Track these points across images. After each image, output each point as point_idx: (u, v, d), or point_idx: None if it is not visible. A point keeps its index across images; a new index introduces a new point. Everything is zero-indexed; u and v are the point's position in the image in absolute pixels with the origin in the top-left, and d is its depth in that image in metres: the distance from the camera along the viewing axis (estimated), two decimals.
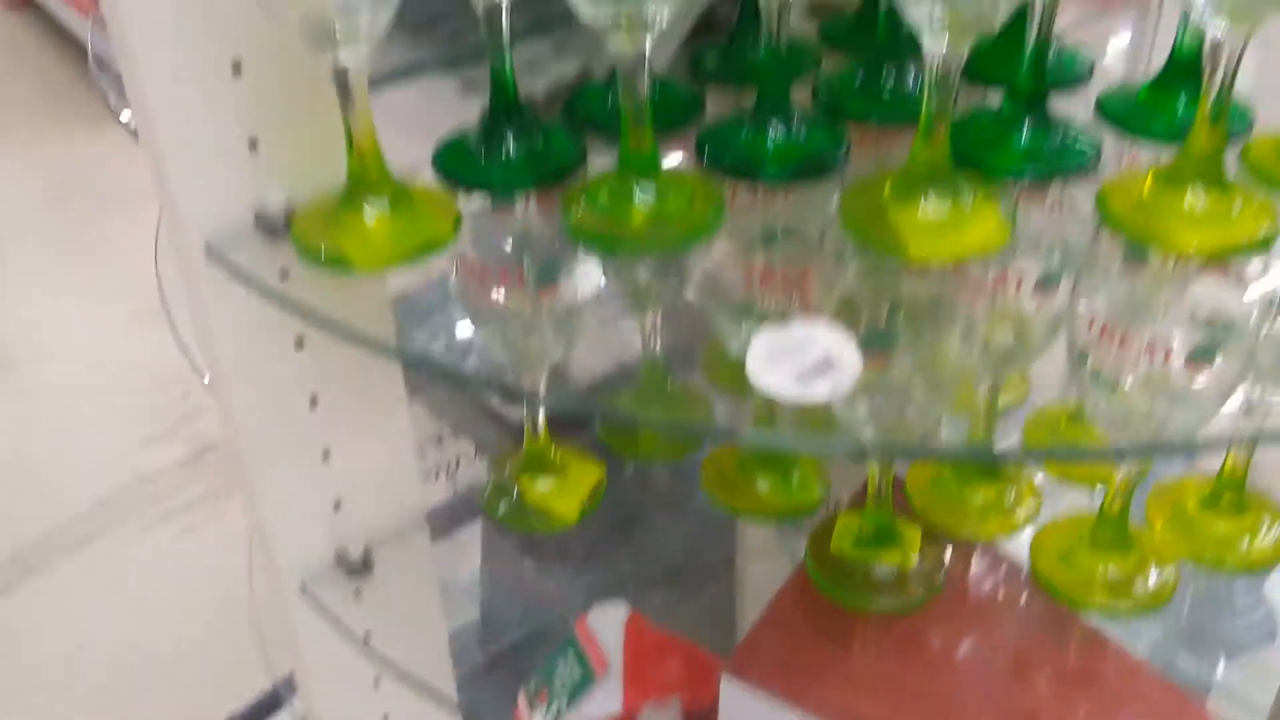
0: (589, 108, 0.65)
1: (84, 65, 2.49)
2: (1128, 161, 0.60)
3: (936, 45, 0.47)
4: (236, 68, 0.53)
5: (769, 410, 0.63)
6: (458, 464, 0.94)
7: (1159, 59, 0.61)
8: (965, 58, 0.47)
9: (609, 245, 0.55)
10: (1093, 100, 0.62)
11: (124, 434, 1.65)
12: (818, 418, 0.54)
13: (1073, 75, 0.63)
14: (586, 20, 0.49)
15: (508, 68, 0.57)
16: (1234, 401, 0.55)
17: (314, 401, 0.64)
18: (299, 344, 0.61)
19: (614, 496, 0.72)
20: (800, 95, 0.61)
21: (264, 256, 0.56)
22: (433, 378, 0.84)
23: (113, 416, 1.68)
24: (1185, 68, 0.57)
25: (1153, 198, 0.49)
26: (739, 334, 0.61)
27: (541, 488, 0.69)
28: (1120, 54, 0.86)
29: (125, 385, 1.72)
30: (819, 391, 0.43)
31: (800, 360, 0.45)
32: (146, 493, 1.57)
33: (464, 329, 0.73)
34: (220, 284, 0.57)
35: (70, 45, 2.57)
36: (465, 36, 0.67)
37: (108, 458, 1.61)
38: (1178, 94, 0.58)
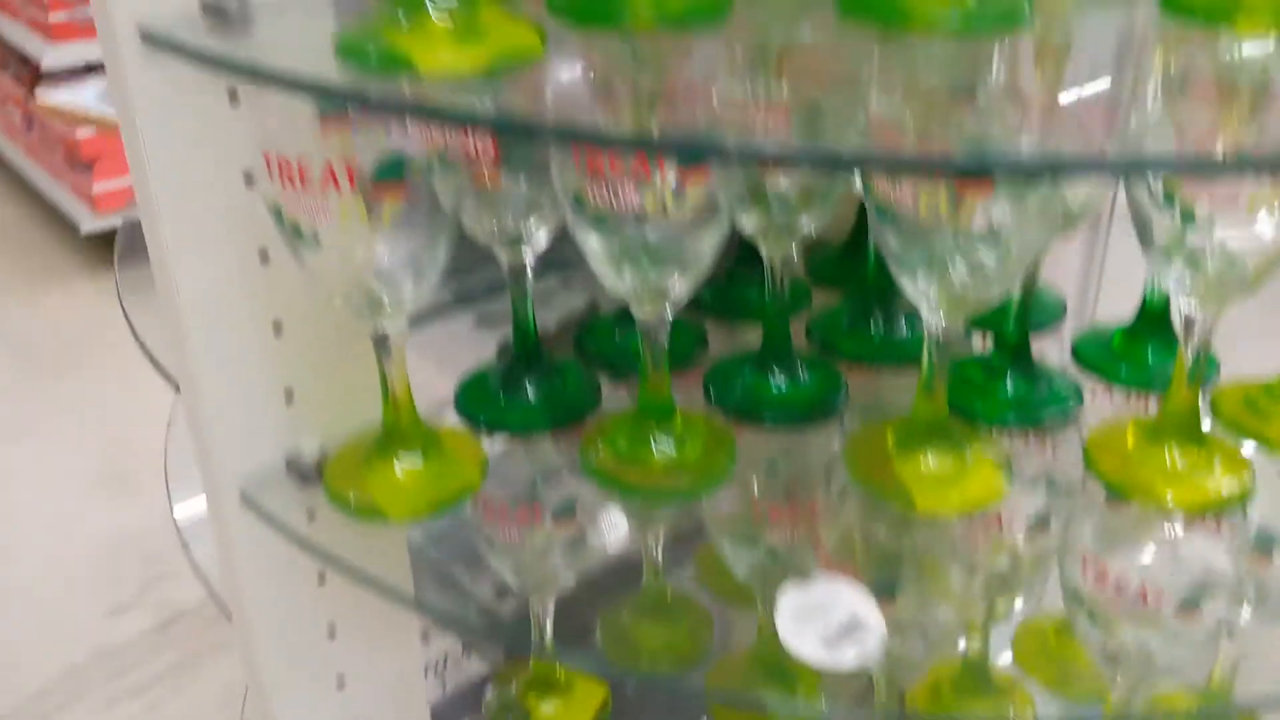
0: (599, 343, 0.69)
1: (48, 220, 2.51)
2: (1103, 399, 0.64)
3: (934, 319, 0.51)
4: (277, 328, 0.56)
5: (774, 640, 0.65)
6: (445, 662, 0.94)
7: (1109, 283, 0.66)
8: (963, 326, 0.51)
9: (627, 492, 0.58)
10: (1066, 339, 0.67)
11: (87, 603, 1.61)
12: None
13: (1049, 316, 0.68)
14: (610, 288, 0.52)
15: (530, 317, 0.61)
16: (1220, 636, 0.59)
17: (332, 632, 0.65)
18: (321, 579, 0.63)
19: (618, 707, 0.73)
20: (794, 331, 0.65)
21: (293, 499, 0.58)
22: (447, 623, 0.85)
23: (75, 584, 1.64)
24: (1155, 319, 0.62)
25: (1136, 452, 0.54)
26: (746, 564, 0.64)
27: (547, 710, 0.70)
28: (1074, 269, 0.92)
29: (88, 551, 1.69)
30: (847, 658, 0.46)
31: (826, 622, 0.48)
32: (111, 666, 1.53)
33: (477, 556, 0.74)
34: (251, 524, 0.59)
35: (33, 199, 2.58)
36: (477, 270, 0.71)
37: (70, 629, 1.58)
38: (1148, 343, 0.63)
